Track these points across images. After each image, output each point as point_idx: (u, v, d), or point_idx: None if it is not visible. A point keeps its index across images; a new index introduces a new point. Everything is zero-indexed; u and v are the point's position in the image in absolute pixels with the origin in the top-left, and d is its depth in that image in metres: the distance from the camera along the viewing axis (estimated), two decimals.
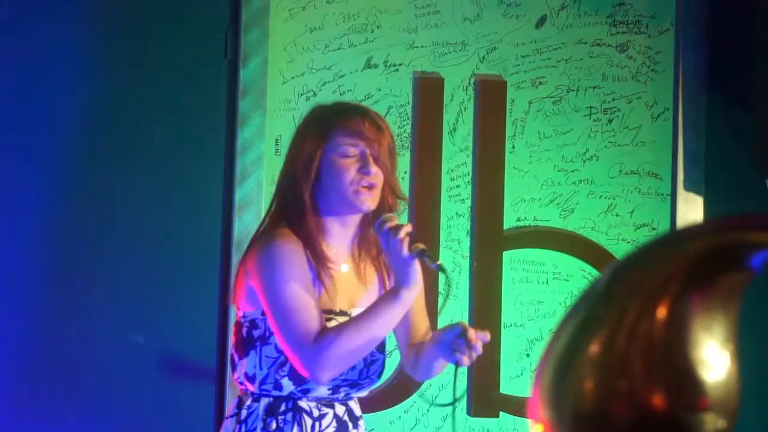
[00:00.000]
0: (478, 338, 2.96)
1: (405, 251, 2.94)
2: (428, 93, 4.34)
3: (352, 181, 3.05)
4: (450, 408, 3.05)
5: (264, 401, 3.07)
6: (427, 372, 3.15)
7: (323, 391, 3.08)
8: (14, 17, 4.11)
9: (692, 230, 1.61)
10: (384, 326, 2.98)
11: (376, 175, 3.06)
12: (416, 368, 3.17)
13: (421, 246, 2.96)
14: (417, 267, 2.97)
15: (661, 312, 1.43)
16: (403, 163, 4.30)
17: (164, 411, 4.12)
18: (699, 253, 1.47)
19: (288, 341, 2.99)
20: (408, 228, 2.98)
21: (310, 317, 2.98)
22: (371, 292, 3.15)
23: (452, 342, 2.97)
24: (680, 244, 1.52)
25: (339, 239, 3.12)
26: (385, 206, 3.10)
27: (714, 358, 1.42)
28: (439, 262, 2.97)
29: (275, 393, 3.07)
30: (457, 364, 2.97)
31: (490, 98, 4.36)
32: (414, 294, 2.98)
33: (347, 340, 2.95)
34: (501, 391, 4.32)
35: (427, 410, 4.27)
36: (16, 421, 4.06)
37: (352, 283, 3.13)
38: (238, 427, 3.09)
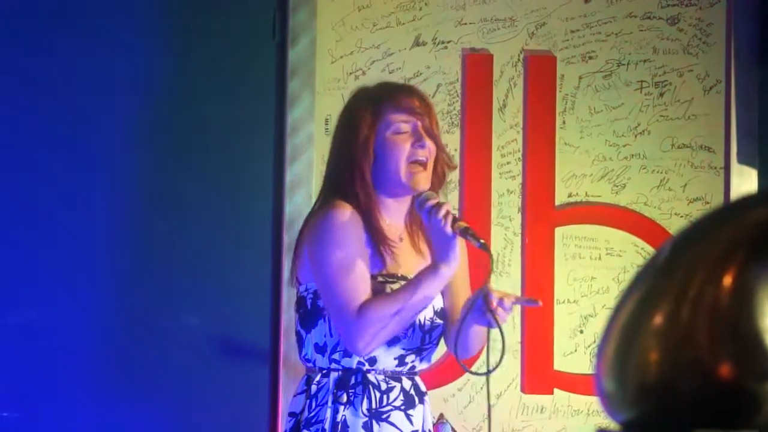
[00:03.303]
0: (523, 303, 3.04)
1: (448, 229, 3.00)
2: (477, 70, 4.32)
3: (408, 156, 3.11)
4: (497, 380, 3.05)
5: (333, 375, 3.13)
6: (466, 343, 3.17)
7: (390, 363, 3.14)
8: (73, 9, 4.14)
9: (755, 198, 1.60)
10: (422, 300, 3.05)
11: (429, 148, 3.14)
12: (457, 344, 3.18)
13: (464, 224, 3.04)
14: (456, 244, 3.03)
15: (727, 281, 1.43)
16: (453, 140, 4.29)
17: (218, 392, 4.14)
18: (764, 220, 1.46)
19: (332, 311, 3.08)
20: (448, 206, 3.05)
21: (355, 287, 3.05)
22: (428, 261, 3.19)
23: (482, 305, 3.04)
24: (743, 212, 1.51)
25: (395, 214, 3.20)
26: (436, 178, 3.18)
27: None
28: (482, 240, 3.03)
29: (345, 363, 3.12)
30: (490, 326, 3.04)
31: (540, 74, 4.35)
32: (452, 270, 3.05)
33: (386, 314, 3.02)
34: (555, 367, 4.32)
35: (481, 388, 4.27)
36: (75, 400, 4.09)
37: (410, 253, 3.21)
38: (308, 402, 3.13)
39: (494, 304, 3.03)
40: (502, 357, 3.05)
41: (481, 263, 3.23)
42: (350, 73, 4.26)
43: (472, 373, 3.21)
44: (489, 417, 3.17)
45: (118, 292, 4.13)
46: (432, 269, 3.05)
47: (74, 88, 4.13)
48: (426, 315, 3.16)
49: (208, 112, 4.19)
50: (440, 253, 3.03)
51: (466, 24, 4.33)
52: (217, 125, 4.19)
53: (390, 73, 4.27)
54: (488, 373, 3.08)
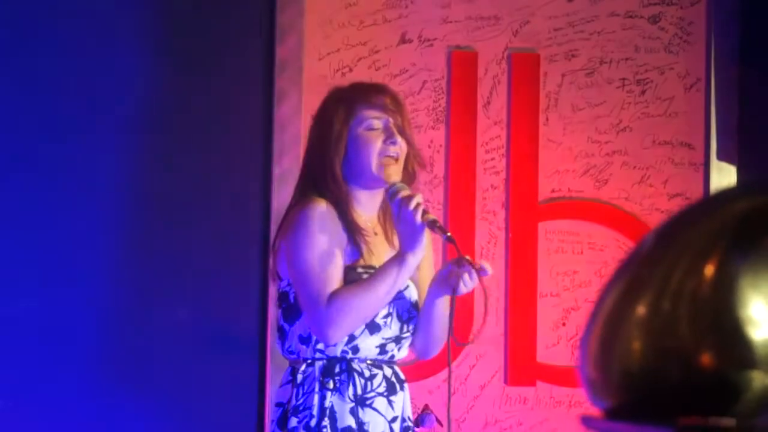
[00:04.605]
0: (481, 272, 3.10)
1: (418, 219, 3.08)
2: (462, 67, 4.36)
3: (379, 152, 3.16)
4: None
5: (318, 364, 3.18)
6: (428, 326, 3.24)
7: (372, 351, 3.20)
8: (59, 7, 4.15)
9: (736, 190, 1.62)
10: (389, 289, 3.13)
11: (401, 145, 3.20)
12: (419, 334, 3.27)
13: (432, 216, 3.12)
14: (423, 235, 3.10)
15: (709, 271, 1.43)
16: (438, 136, 4.33)
17: (207, 384, 4.15)
18: (745, 212, 1.47)
19: (303, 301, 3.16)
20: (419, 198, 3.12)
21: (327, 280, 3.12)
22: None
23: (451, 271, 3.13)
24: (725, 204, 1.52)
25: (368, 207, 3.26)
26: (407, 175, 3.24)
27: (762, 316, 1.42)
28: (449, 233, 3.11)
29: (329, 352, 3.19)
30: (454, 293, 3.12)
31: (524, 71, 4.38)
32: (418, 259, 3.13)
33: (355, 302, 3.10)
34: (537, 360, 4.36)
35: (464, 380, 4.31)
36: (64, 391, 4.11)
37: (383, 245, 3.27)
38: (295, 390, 3.18)
39: (478, 265, 3.11)
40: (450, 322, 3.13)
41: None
42: (337, 70, 4.29)
43: (460, 344, 3.26)
44: (449, 374, 3.22)
45: (107, 287, 4.14)
46: (398, 258, 3.13)
47: (63, 85, 4.14)
48: (404, 306, 3.23)
49: (196, 108, 4.20)
50: (407, 243, 3.11)
51: (451, 22, 4.36)
52: (205, 121, 4.20)
53: (376, 70, 4.30)
54: (448, 340, 3.16)
